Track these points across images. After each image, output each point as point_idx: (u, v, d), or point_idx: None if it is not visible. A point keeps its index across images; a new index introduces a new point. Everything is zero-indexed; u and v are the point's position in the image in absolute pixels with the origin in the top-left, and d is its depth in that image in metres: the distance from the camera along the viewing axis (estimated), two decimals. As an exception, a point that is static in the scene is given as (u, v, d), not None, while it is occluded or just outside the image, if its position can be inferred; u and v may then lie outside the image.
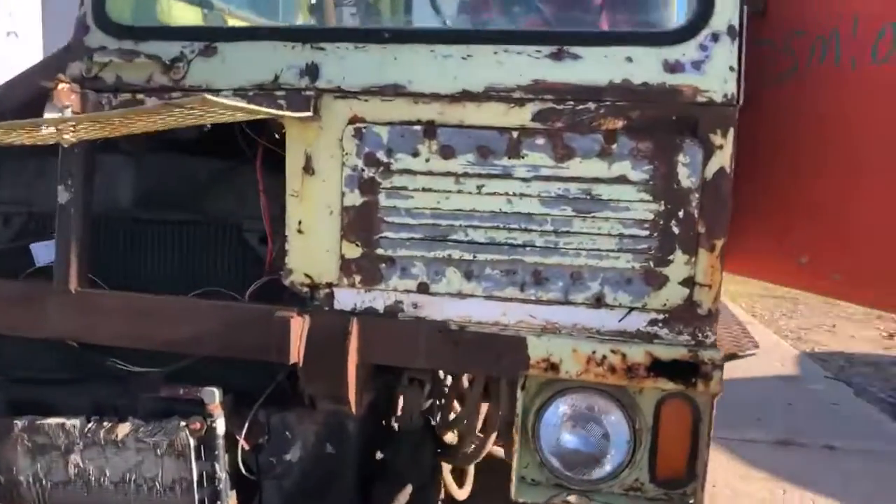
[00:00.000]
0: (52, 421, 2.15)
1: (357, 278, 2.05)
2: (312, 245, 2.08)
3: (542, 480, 2.10)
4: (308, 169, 2.05)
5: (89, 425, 2.14)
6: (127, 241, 2.42)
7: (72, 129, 1.66)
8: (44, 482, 2.15)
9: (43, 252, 2.44)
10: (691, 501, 2.03)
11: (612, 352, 1.93)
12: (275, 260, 2.23)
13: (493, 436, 2.35)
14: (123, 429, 2.12)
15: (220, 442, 2.10)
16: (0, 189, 2.47)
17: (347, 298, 2.08)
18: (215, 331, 2.08)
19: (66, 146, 2.06)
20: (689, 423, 2.00)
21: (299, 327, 2.00)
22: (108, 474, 2.13)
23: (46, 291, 2.16)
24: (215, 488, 2.10)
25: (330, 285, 2.08)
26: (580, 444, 2.04)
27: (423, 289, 2.02)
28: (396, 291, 2.04)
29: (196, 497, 2.10)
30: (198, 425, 2.08)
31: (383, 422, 2.36)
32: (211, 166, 2.39)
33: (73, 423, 2.14)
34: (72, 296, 2.14)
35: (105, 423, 2.14)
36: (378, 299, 2.06)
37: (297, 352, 2.00)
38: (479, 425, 2.35)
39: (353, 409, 2.07)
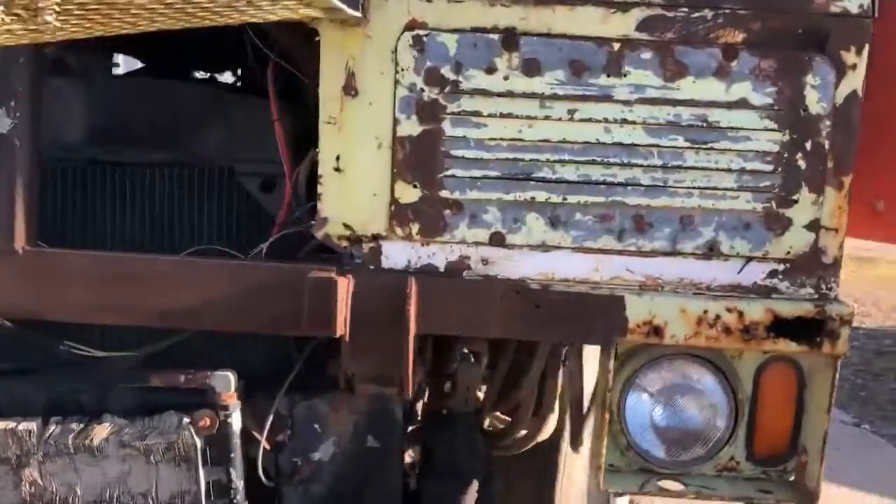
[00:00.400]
0: (-2, 425, 1.60)
1: (413, 228, 1.63)
2: (354, 187, 1.63)
3: (622, 466, 1.78)
4: (350, 89, 1.60)
5: (51, 429, 1.60)
6: (80, 192, 1.87)
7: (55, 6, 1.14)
8: (-16, 508, 1.61)
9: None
10: (791, 479, 1.78)
11: (728, 310, 1.63)
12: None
13: (551, 418, 2.00)
14: (101, 431, 1.60)
15: (237, 441, 1.63)
16: None
17: (399, 254, 1.65)
18: (227, 299, 1.61)
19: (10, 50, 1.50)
20: (794, 391, 1.74)
21: (345, 291, 1.56)
22: (79, 492, 1.61)
23: (-16, 252, 1.60)
24: (230, 501, 1.64)
25: (376, 238, 1.65)
26: (675, 420, 1.74)
27: (497, 240, 1.63)
28: (463, 244, 1.64)
29: (205, 514, 1.62)
30: (207, 421, 1.60)
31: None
32: (193, 93, 1.88)
33: (27, 426, 1.60)
34: (19, 257, 1.59)
35: (73, 425, 1.61)
36: (439, 254, 1.65)
37: (343, 322, 1.56)
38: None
39: (409, 392, 1.66)
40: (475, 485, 1.74)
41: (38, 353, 1.83)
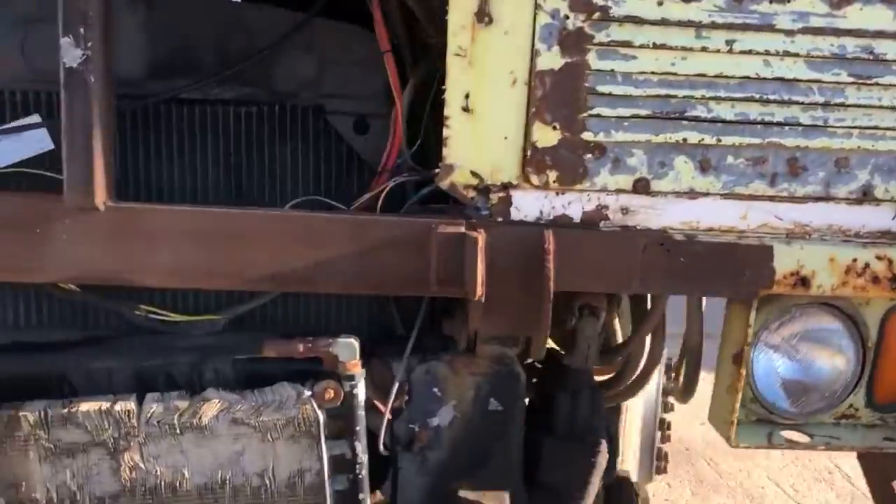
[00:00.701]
0: (88, 405, 1.41)
1: (550, 176, 1.46)
2: (485, 130, 1.44)
3: (741, 418, 1.71)
4: (483, 15, 1.39)
5: (151, 408, 1.42)
6: (141, 134, 1.62)
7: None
8: (77, 499, 1.43)
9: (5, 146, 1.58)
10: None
11: (878, 258, 1.54)
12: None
13: (657, 370, 1.91)
14: (209, 408, 1.42)
15: (362, 413, 1.48)
16: None
17: (531, 204, 1.49)
18: (346, 258, 1.42)
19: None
20: (920, 337, 1.69)
21: (480, 247, 1.40)
22: (187, 475, 1.45)
23: (56, 210, 1.36)
24: (355, 476, 1.50)
25: (506, 186, 1.48)
26: (804, 371, 1.67)
27: (641, 187, 1.48)
28: (603, 192, 1.48)
29: (328, 491, 1.48)
30: (331, 393, 1.44)
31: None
32: (275, 17, 1.62)
33: (125, 406, 1.41)
34: (100, 214, 1.36)
35: (176, 403, 1.43)
36: (575, 204, 1.50)
37: (478, 281, 1.40)
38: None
39: (540, 352, 1.53)
40: (601, 445, 1.65)
41: (107, 320, 1.63)
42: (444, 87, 1.41)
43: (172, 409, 1.42)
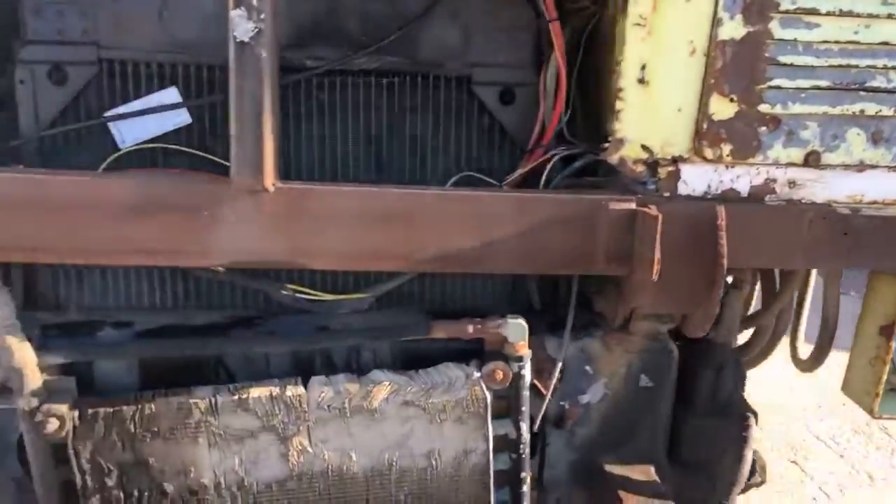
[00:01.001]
0: (258, 391, 1.38)
1: (724, 149, 1.42)
2: (659, 102, 1.39)
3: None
4: (667, -18, 1.33)
5: (322, 391, 1.39)
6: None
7: None
8: (245, 485, 1.41)
9: (132, 126, 1.51)
10: None
11: None
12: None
13: (783, 337, 1.90)
14: (379, 391, 1.40)
15: (527, 393, 1.46)
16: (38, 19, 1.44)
17: (699, 178, 1.45)
18: (512, 237, 1.38)
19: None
20: None
21: (656, 225, 1.35)
22: (354, 458, 1.43)
23: (225, 192, 1.30)
24: (518, 455, 1.49)
25: (676, 160, 1.43)
26: None
27: (812, 160, 1.44)
28: (773, 166, 1.45)
29: (492, 470, 1.47)
30: (500, 374, 1.42)
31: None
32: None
33: (296, 391, 1.38)
34: (269, 196, 1.31)
35: (347, 386, 1.40)
36: (743, 178, 1.46)
37: (651, 259, 1.36)
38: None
39: (705, 329, 1.51)
40: (750, 420, 1.64)
41: (244, 299, 1.59)
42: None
43: (343, 392, 1.39)
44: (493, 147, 1.63)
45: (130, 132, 1.52)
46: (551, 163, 1.50)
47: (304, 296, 1.53)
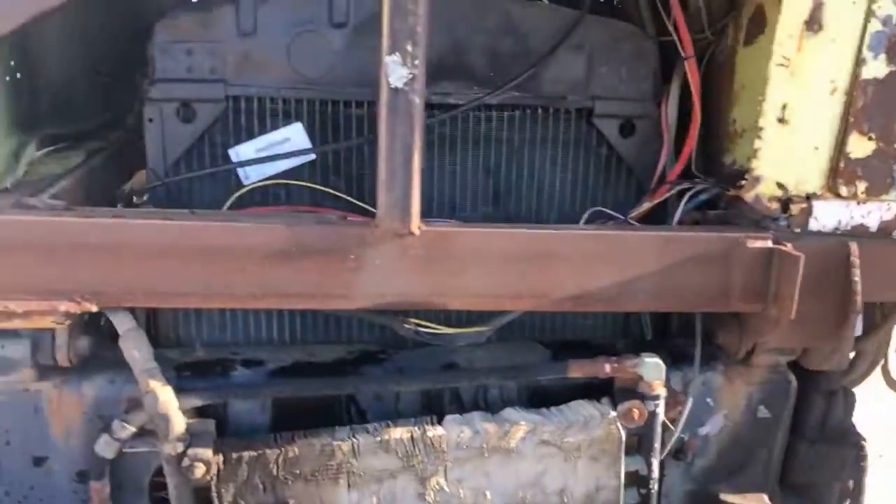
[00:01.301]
0: (399, 432, 1.38)
1: (860, 186, 1.42)
2: (796, 140, 1.39)
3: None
4: (813, 23, 1.32)
5: (462, 431, 1.39)
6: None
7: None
8: (381, 523, 1.41)
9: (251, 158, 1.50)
10: None
11: None
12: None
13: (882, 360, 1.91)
14: (519, 430, 1.40)
15: (659, 430, 1.47)
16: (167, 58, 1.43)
17: (830, 214, 1.45)
18: (652, 275, 1.38)
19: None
20: None
21: (795, 263, 1.35)
22: (489, 496, 1.43)
23: (372, 235, 1.30)
24: (648, 491, 1.49)
25: (808, 197, 1.43)
26: None
27: (942, 195, 1.45)
28: (904, 201, 1.45)
29: (622, 507, 1.48)
30: (637, 413, 1.42)
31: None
32: (545, 14, 1.53)
33: (437, 432, 1.38)
34: (415, 238, 1.30)
35: (486, 427, 1.40)
36: (874, 213, 1.46)
37: (788, 296, 1.36)
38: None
39: (843, 363, 1.52)
40: (865, 448, 1.65)
41: (359, 332, 1.59)
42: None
43: (481, 432, 1.39)
44: (611, 179, 1.62)
45: (255, 168, 1.51)
46: (685, 197, 1.49)
47: (424, 329, 1.53)
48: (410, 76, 1.23)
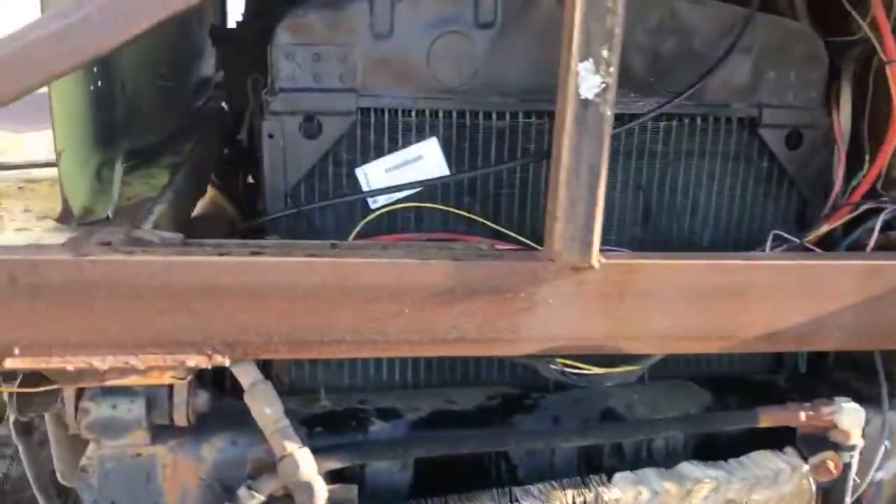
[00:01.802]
0: (572, 494, 1.20)
1: None
2: None
3: None
4: None
5: (638, 493, 1.21)
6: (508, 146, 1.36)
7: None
8: None
9: (384, 181, 1.31)
10: None
11: None
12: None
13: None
14: (702, 489, 1.22)
15: (851, 485, 1.30)
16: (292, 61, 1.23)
17: None
18: (850, 308, 1.21)
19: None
20: None
21: None
22: (666, 561, 1.26)
23: (546, 270, 1.11)
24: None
25: None
26: None
27: None
28: None
29: (808, 568, 1.31)
30: (833, 466, 1.25)
31: None
32: (712, 11, 1.35)
33: (611, 494, 1.20)
34: (594, 273, 1.12)
35: (666, 486, 1.22)
36: None
37: None
38: None
39: None
40: None
41: (507, 373, 1.41)
42: None
43: (661, 492, 1.21)
44: (771, 195, 1.45)
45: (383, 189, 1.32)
46: (868, 220, 1.33)
47: (571, 370, 1.35)
48: (603, 86, 1.04)
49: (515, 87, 1.30)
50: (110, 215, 1.19)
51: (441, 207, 1.31)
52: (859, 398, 1.37)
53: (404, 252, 1.12)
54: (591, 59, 1.03)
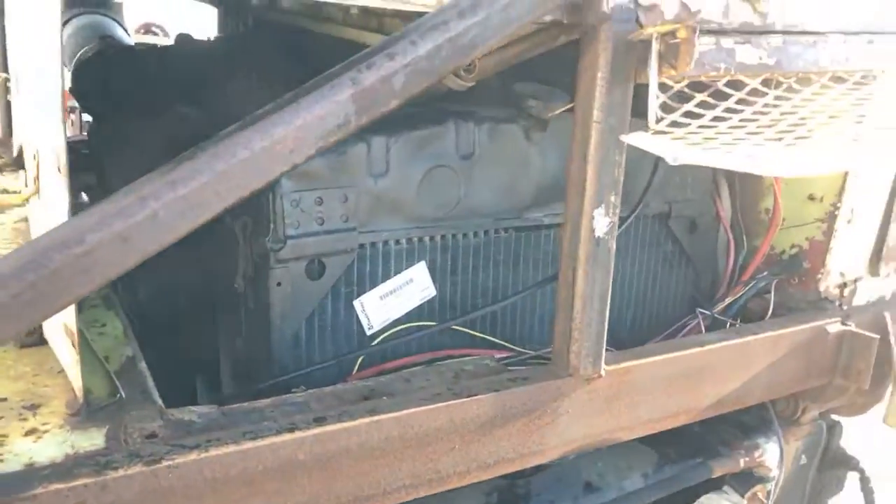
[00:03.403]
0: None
1: (892, 266, 1.69)
2: (857, 236, 1.61)
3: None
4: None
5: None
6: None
7: None
8: None
9: (378, 308, 1.35)
10: None
11: None
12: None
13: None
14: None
15: (770, 505, 1.61)
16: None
17: (867, 292, 1.70)
18: (767, 369, 1.52)
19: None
20: None
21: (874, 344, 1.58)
22: None
23: (565, 386, 1.25)
24: (760, 560, 1.64)
25: (855, 281, 1.67)
26: None
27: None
28: (913, 273, 1.75)
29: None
30: (761, 495, 1.55)
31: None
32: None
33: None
34: (601, 380, 1.28)
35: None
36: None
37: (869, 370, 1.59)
38: None
39: (862, 412, 1.79)
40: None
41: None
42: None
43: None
44: (674, 274, 1.72)
45: (377, 316, 1.35)
46: (749, 292, 1.65)
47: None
48: (610, 225, 1.21)
49: (489, 209, 1.41)
50: (123, 394, 1.09)
51: (434, 324, 1.39)
52: (748, 429, 1.71)
53: (447, 392, 1.18)
54: (603, 205, 1.19)
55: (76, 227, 0.86)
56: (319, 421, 1.07)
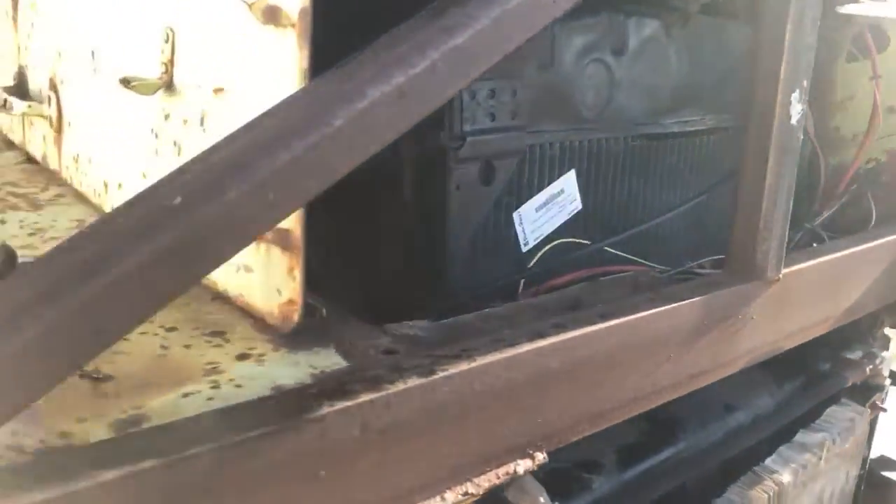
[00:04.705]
0: None
1: None
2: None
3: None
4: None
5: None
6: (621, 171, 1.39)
7: None
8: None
9: (533, 222, 1.22)
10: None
11: None
12: None
13: None
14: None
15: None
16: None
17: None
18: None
19: None
20: None
21: None
22: (801, 523, 1.42)
23: (752, 290, 1.17)
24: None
25: (934, 190, 1.70)
26: None
27: None
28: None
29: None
30: (880, 402, 1.54)
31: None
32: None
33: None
34: (779, 285, 1.21)
35: (794, 467, 1.38)
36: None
37: None
38: None
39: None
40: None
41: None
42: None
43: (809, 465, 1.37)
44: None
45: (532, 230, 1.22)
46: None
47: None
48: (801, 112, 1.14)
49: (632, 113, 1.31)
50: (325, 313, 0.90)
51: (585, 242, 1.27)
52: (853, 343, 1.71)
53: (648, 301, 1.07)
54: (798, 90, 1.12)
55: (355, 78, 0.68)
56: (558, 327, 0.93)
